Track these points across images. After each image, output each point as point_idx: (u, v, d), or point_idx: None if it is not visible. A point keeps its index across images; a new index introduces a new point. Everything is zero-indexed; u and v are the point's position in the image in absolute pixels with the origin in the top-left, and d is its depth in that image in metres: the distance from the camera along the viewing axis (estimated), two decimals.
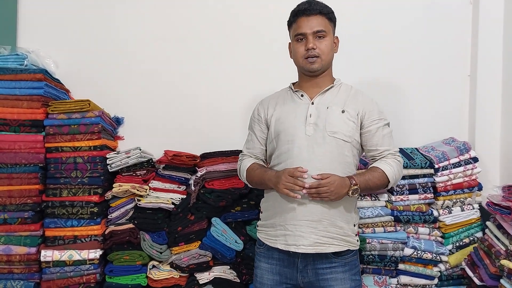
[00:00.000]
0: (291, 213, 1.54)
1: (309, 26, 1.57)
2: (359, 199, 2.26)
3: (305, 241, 1.52)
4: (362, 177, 1.53)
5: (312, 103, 1.60)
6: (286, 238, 1.55)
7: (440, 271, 2.24)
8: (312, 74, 1.62)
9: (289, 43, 1.70)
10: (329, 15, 1.61)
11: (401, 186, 2.26)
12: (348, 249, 1.57)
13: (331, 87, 1.64)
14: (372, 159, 1.62)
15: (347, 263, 1.56)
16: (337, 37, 1.67)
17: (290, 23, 1.66)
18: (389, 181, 1.56)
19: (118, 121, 2.43)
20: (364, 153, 1.71)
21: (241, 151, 2.28)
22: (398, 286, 2.24)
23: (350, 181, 1.50)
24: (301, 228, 1.53)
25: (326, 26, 1.59)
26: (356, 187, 1.49)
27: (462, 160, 2.29)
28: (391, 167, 1.55)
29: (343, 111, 1.58)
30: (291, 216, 1.54)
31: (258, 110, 1.73)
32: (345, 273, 1.55)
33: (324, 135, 1.55)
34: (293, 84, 1.72)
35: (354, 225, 1.61)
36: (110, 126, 2.34)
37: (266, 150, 1.72)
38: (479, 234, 2.29)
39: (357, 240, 1.62)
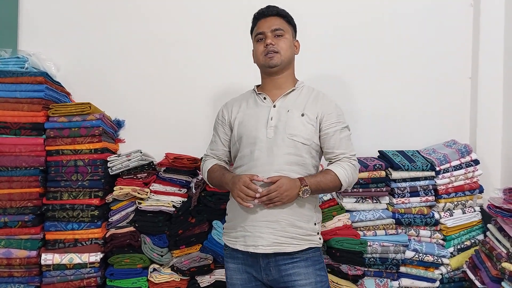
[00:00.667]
0: (251, 215, 1.56)
1: (267, 25, 1.64)
2: (360, 201, 2.26)
3: (263, 241, 1.54)
4: (314, 178, 1.55)
5: (274, 106, 1.63)
6: (245, 239, 1.57)
7: (441, 274, 2.24)
8: (272, 70, 1.64)
9: (253, 50, 1.72)
10: (287, 17, 1.67)
11: (402, 189, 2.26)
12: (309, 247, 1.58)
13: (292, 90, 1.67)
14: (329, 162, 1.65)
15: (309, 258, 1.57)
16: (297, 41, 1.72)
17: (252, 28, 1.71)
18: (341, 184, 1.57)
19: (119, 124, 2.42)
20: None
21: None
22: None
23: (300, 182, 1.52)
24: (260, 229, 1.55)
25: (283, 26, 1.65)
26: (306, 187, 1.51)
27: (463, 163, 2.29)
28: (344, 170, 1.57)
29: (302, 115, 1.61)
30: (251, 217, 1.56)
31: (223, 112, 1.75)
32: (308, 268, 1.56)
33: (283, 138, 1.58)
34: (257, 86, 1.74)
35: (315, 224, 1.62)
36: (111, 129, 2.33)
37: (229, 151, 1.74)
38: (481, 237, 2.29)
39: (320, 238, 1.63)
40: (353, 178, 1.60)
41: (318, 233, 1.62)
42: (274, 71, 1.64)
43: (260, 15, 1.67)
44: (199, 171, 2.29)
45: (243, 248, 1.57)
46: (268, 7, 1.67)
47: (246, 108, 1.68)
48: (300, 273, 1.54)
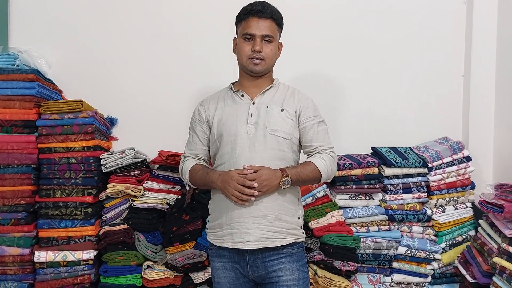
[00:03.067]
0: (237, 212, 1.56)
1: (259, 28, 1.61)
2: (353, 198, 2.27)
3: (251, 237, 1.54)
4: (294, 169, 1.57)
5: (253, 103, 1.65)
6: (232, 236, 1.57)
7: (433, 269, 2.26)
8: (254, 75, 1.66)
9: (234, 38, 1.72)
10: (278, 20, 1.65)
11: (395, 185, 2.27)
12: (295, 241, 1.60)
13: (270, 87, 1.68)
14: (308, 155, 1.66)
15: (294, 254, 1.60)
16: (281, 43, 1.71)
17: (240, 20, 1.68)
18: (321, 175, 1.59)
19: (111, 122, 2.41)
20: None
21: None
22: (392, 284, 2.26)
23: (281, 173, 1.54)
24: (247, 225, 1.55)
25: (274, 31, 1.63)
26: (287, 178, 1.53)
27: (455, 159, 2.31)
28: (323, 161, 1.59)
29: (282, 110, 1.63)
30: (237, 214, 1.56)
31: (199, 111, 1.74)
32: (293, 263, 1.58)
33: (265, 133, 1.59)
34: (233, 84, 1.74)
35: (299, 218, 1.65)
36: (104, 127, 2.32)
37: (208, 150, 1.74)
38: (472, 233, 2.31)
39: (303, 233, 1.65)
40: (332, 170, 1.62)
41: (301, 227, 1.65)
42: (256, 76, 1.66)
43: (253, 13, 1.61)
44: None
45: (231, 246, 1.57)
46: (263, 5, 1.63)
47: (224, 105, 1.68)
48: (285, 269, 1.57)
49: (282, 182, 1.53)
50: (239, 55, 1.67)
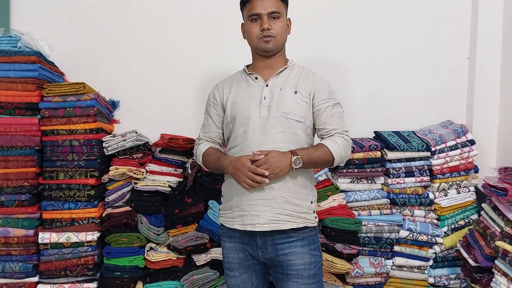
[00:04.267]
0: (247, 194, 1.56)
1: (263, 6, 1.58)
2: (355, 182, 2.27)
3: (260, 219, 1.54)
4: (305, 150, 1.55)
5: (267, 85, 1.62)
6: (242, 218, 1.58)
7: (435, 253, 2.27)
8: (267, 54, 1.63)
9: (242, 23, 1.70)
10: None
11: (397, 169, 2.27)
12: (305, 226, 1.59)
13: (284, 69, 1.65)
14: (321, 138, 1.64)
15: (305, 238, 1.58)
16: (289, 19, 1.68)
17: (244, 3, 1.65)
18: (334, 158, 1.56)
19: (113, 105, 2.41)
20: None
21: None
22: (393, 267, 2.27)
23: (291, 153, 1.52)
24: (256, 208, 1.55)
25: (280, 7, 1.60)
26: (297, 156, 1.50)
27: (459, 143, 2.29)
28: (336, 144, 1.56)
29: (295, 92, 1.60)
30: (247, 196, 1.56)
31: (214, 93, 1.73)
32: (304, 247, 1.57)
33: (277, 116, 1.57)
34: (247, 66, 1.72)
35: (312, 202, 1.62)
36: (106, 109, 2.33)
37: (223, 133, 1.73)
38: (475, 217, 2.31)
39: (315, 217, 1.64)
40: (345, 153, 1.59)
41: (314, 212, 1.63)
42: (268, 55, 1.63)
43: None
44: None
45: (240, 227, 1.58)
46: None
47: (237, 88, 1.67)
48: (295, 253, 1.56)
49: (292, 162, 1.50)
50: (249, 38, 1.64)
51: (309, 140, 1.63)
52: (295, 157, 1.51)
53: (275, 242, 1.56)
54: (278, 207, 1.54)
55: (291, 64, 1.69)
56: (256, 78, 1.65)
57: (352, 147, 2.21)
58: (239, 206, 1.59)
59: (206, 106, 1.77)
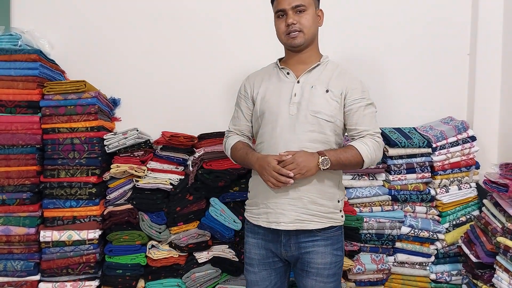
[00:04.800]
0: (273, 192, 1.56)
1: (287, 1, 1.55)
2: (356, 178, 2.27)
3: (285, 218, 1.54)
4: (333, 151, 1.52)
5: (298, 82, 1.59)
6: (267, 216, 1.58)
7: (436, 249, 2.27)
8: (296, 49, 1.60)
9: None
10: None
11: (398, 166, 2.27)
12: (331, 225, 1.57)
13: (317, 65, 1.62)
14: (352, 139, 1.60)
15: (329, 237, 1.57)
16: (321, 10, 1.63)
17: (272, 1, 1.64)
18: (363, 160, 1.52)
19: (114, 102, 2.41)
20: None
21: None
22: (395, 264, 2.27)
23: (318, 154, 1.49)
24: (281, 206, 1.55)
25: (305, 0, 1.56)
26: (324, 157, 1.47)
27: (460, 139, 2.29)
28: (366, 146, 1.52)
29: (327, 91, 1.56)
30: (273, 194, 1.56)
31: (245, 86, 1.72)
32: (327, 247, 1.57)
33: (306, 115, 1.54)
34: (280, 60, 1.70)
35: (338, 201, 1.61)
36: (107, 107, 2.32)
37: (252, 126, 1.72)
38: (476, 213, 2.31)
39: (342, 216, 1.62)
40: (376, 156, 1.55)
41: (340, 211, 1.61)
42: (298, 50, 1.60)
43: None
44: (196, 149, 2.30)
45: (265, 225, 1.58)
46: None
47: (268, 83, 1.65)
48: (318, 252, 1.56)
49: (320, 163, 1.47)
50: (277, 34, 1.62)
51: (338, 140, 1.60)
52: (322, 157, 1.48)
53: (299, 240, 1.56)
54: (303, 207, 1.54)
55: (325, 60, 1.64)
56: (288, 73, 1.62)
57: None
58: (264, 203, 1.59)
59: (237, 98, 1.76)
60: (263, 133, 1.61)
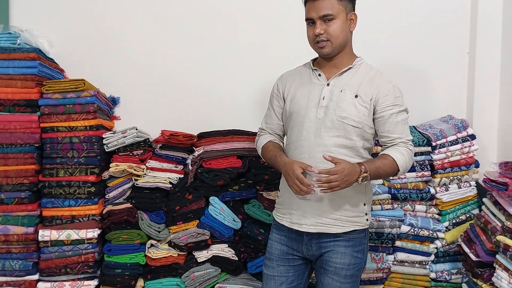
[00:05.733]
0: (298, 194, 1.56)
1: (315, 10, 1.53)
2: None
3: (307, 221, 1.56)
4: (373, 164, 1.50)
5: (328, 85, 1.58)
6: (291, 217, 1.61)
7: (436, 248, 2.26)
8: (326, 57, 1.60)
9: None
10: None
11: None
12: (354, 229, 1.57)
13: (349, 69, 1.59)
14: (384, 146, 1.60)
15: (351, 239, 1.58)
16: (354, 14, 1.59)
17: (304, 4, 1.62)
18: (398, 170, 1.52)
19: (114, 101, 2.41)
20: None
21: (236, 130, 2.29)
22: (395, 263, 2.27)
23: (360, 168, 1.46)
24: (305, 209, 1.57)
25: (333, 7, 1.52)
26: (366, 174, 1.46)
27: (459, 138, 2.29)
28: (402, 156, 1.52)
29: (356, 96, 1.54)
30: (297, 196, 1.56)
31: (278, 85, 1.73)
32: (348, 248, 1.57)
33: (333, 120, 1.53)
34: (314, 60, 1.68)
35: (364, 204, 1.60)
36: (106, 106, 2.32)
37: (283, 125, 1.73)
38: (476, 211, 2.31)
39: (367, 219, 1.61)
40: (409, 164, 1.55)
41: (366, 214, 1.61)
42: (328, 57, 1.59)
43: None
44: (196, 147, 2.30)
45: (288, 225, 1.61)
46: None
47: (300, 84, 1.65)
48: (338, 252, 1.57)
49: (360, 178, 1.45)
50: (308, 40, 1.61)
51: (366, 144, 1.59)
52: (364, 174, 1.45)
53: (321, 240, 1.58)
54: (326, 211, 1.55)
55: (358, 62, 1.61)
56: (319, 75, 1.61)
57: None
58: (289, 204, 1.61)
59: (270, 96, 1.77)
60: (291, 135, 1.63)
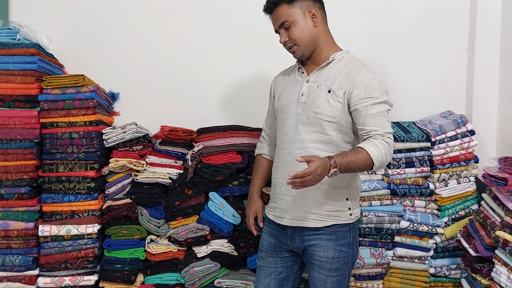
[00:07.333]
0: (280, 188, 1.64)
1: (274, 22, 1.61)
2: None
3: (288, 215, 1.61)
4: (344, 158, 1.45)
5: (307, 81, 1.61)
6: (275, 211, 1.68)
7: (435, 243, 2.26)
8: (301, 58, 1.65)
9: None
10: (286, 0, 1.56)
11: (397, 160, 2.26)
12: (335, 224, 1.58)
13: (327, 63, 1.60)
14: (361, 138, 1.57)
15: (333, 232, 1.59)
16: (313, 10, 1.58)
17: None
18: (373, 163, 1.47)
19: (113, 97, 2.40)
20: None
21: (236, 126, 2.30)
22: (394, 258, 2.27)
23: (330, 162, 1.43)
24: (285, 203, 1.61)
25: (287, 14, 1.56)
26: (334, 170, 1.42)
27: (459, 133, 2.29)
28: (376, 149, 1.46)
29: (329, 91, 1.55)
30: (279, 191, 1.63)
31: (271, 85, 1.80)
32: (330, 242, 1.58)
33: (309, 116, 1.57)
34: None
35: (347, 199, 1.60)
36: (106, 102, 2.32)
37: None
38: (475, 207, 2.31)
39: (351, 214, 1.61)
40: (386, 158, 1.48)
41: (349, 209, 1.60)
42: (304, 58, 1.63)
43: (264, 11, 1.63)
44: (195, 143, 2.30)
45: (273, 219, 1.68)
46: (268, 1, 1.60)
47: (287, 82, 1.70)
48: (320, 245, 1.58)
49: (329, 174, 1.42)
50: None
51: (346, 138, 1.58)
52: (333, 169, 1.41)
53: (303, 233, 1.61)
54: (306, 206, 1.58)
55: (338, 56, 1.60)
56: (302, 72, 1.65)
57: None
58: (273, 199, 1.69)
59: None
60: (277, 131, 1.70)
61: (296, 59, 1.70)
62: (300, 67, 1.66)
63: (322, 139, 1.55)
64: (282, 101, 1.66)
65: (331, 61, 1.60)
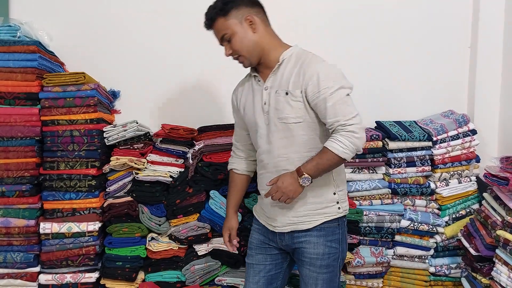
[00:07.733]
0: (265, 199, 1.60)
1: (216, 37, 1.59)
2: (356, 172, 2.26)
3: (278, 223, 1.60)
4: (310, 163, 1.46)
5: (266, 88, 1.57)
6: (265, 218, 1.68)
7: (436, 242, 2.27)
8: (250, 67, 1.62)
9: None
10: (219, 13, 1.54)
11: (399, 159, 2.27)
12: (325, 221, 1.58)
13: (278, 66, 1.55)
14: (331, 132, 1.54)
15: (323, 229, 1.58)
16: (248, 17, 1.53)
17: None
18: (341, 157, 1.44)
19: (114, 95, 2.40)
20: None
21: None
22: (394, 257, 2.28)
23: (298, 174, 1.46)
24: (274, 212, 1.60)
25: (224, 26, 1.54)
26: (304, 176, 1.44)
27: (460, 133, 2.29)
28: (339, 143, 1.42)
29: (286, 93, 1.52)
30: (266, 200, 1.60)
31: (232, 99, 1.74)
32: (320, 238, 1.57)
33: (275, 123, 1.54)
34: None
35: (334, 193, 1.59)
36: (106, 100, 2.31)
37: (248, 134, 1.72)
38: (476, 206, 2.31)
39: (339, 208, 1.59)
40: (354, 146, 1.43)
41: (337, 202, 1.59)
42: (254, 66, 1.60)
43: (206, 28, 1.60)
44: (196, 141, 2.30)
45: (265, 224, 1.67)
46: (206, 15, 1.58)
47: (247, 93, 1.66)
48: (310, 242, 1.58)
49: (300, 182, 1.45)
50: None
51: (320, 132, 1.55)
52: (302, 177, 1.45)
53: (293, 234, 1.60)
54: (293, 210, 1.57)
55: (287, 55, 1.56)
56: (259, 80, 1.61)
57: None
58: (260, 206, 1.69)
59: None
60: (254, 144, 1.68)
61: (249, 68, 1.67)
62: (256, 76, 1.61)
63: (294, 142, 1.53)
64: (249, 114, 1.62)
65: (281, 62, 1.56)
